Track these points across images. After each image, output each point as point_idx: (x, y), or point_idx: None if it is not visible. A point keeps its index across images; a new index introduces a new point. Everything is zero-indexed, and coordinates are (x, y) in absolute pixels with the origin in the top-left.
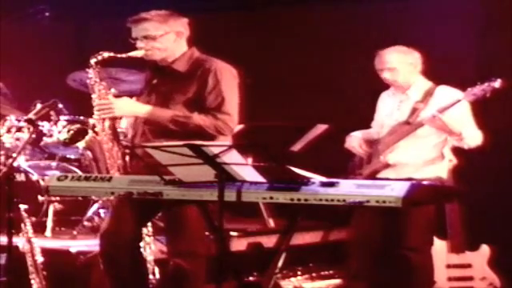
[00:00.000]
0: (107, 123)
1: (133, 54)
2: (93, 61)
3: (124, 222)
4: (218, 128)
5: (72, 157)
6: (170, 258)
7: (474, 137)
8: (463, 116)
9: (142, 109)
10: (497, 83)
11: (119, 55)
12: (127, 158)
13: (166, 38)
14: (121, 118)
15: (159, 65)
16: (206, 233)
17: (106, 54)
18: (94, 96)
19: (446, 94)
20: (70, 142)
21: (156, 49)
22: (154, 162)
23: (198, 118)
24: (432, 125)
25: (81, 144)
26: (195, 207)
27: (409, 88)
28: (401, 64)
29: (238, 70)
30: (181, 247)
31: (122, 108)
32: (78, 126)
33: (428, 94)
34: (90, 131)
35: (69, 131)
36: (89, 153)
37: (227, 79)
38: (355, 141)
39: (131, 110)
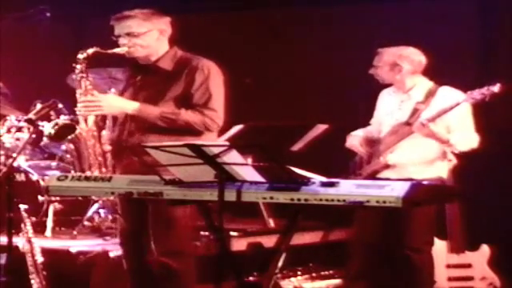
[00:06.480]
0: (91, 120)
1: (116, 50)
2: (81, 56)
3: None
4: (205, 124)
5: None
6: (157, 257)
7: (465, 141)
8: (459, 119)
9: (130, 105)
10: (496, 87)
11: (103, 51)
12: (108, 155)
13: (149, 36)
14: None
15: (141, 63)
16: (206, 233)
17: (90, 50)
18: (78, 91)
19: (448, 95)
20: (55, 136)
21: (138, 46)
22: (150, 160)
23: (186, 115)
24: (420, 132)
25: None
26: (180, 206)
27: (410, 88)
28: (399, 63)
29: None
30: (168, 247)
31: (111, 105)
32: (65, 121)
33: (430, 95)
34: (78, 127)
35: (55, 126)
36: (71, 146)
37: (214, 76)
38: (356, 140)
39: (120, 106)
